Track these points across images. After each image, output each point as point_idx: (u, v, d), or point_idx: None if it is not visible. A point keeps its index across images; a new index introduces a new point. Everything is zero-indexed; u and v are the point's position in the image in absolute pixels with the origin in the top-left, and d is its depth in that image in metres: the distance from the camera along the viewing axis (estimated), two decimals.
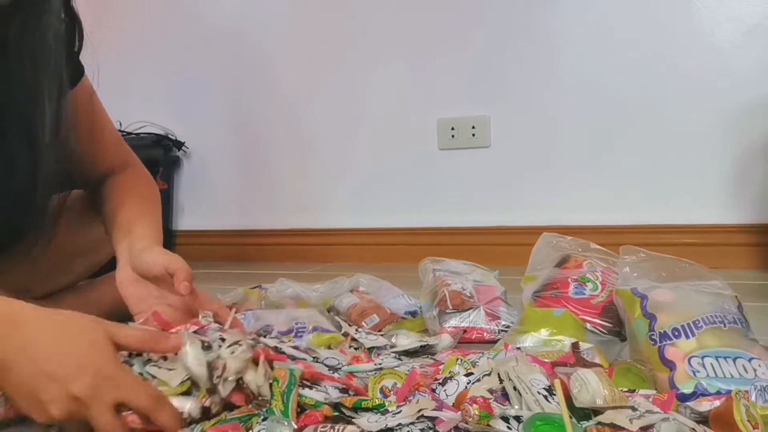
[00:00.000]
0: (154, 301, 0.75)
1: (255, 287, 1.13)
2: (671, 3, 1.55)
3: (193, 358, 0.56)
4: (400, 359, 0.75)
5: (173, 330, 0.63)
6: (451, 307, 0.96)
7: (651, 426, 0.51)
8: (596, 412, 0.55)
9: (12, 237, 0.82)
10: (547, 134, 1.69)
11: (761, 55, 1.49)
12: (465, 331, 0.92)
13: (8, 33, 0.75)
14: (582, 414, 0.56)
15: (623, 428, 0.50)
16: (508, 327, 0.92)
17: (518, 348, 0.75)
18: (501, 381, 0.60)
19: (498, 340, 0.89)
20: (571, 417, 0.52)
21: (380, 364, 0.71)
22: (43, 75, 0.77)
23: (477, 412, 0.53)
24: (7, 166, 0.78)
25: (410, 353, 0.83)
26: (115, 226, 0.84)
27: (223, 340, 0.59)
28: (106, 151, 0.94)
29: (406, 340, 0.84)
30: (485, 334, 0.92)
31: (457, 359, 0.71)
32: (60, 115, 0.79)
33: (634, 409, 0.54)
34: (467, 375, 0.65)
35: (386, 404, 0.58)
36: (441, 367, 0.70)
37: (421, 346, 0.84)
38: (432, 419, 0.55)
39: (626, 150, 1.62)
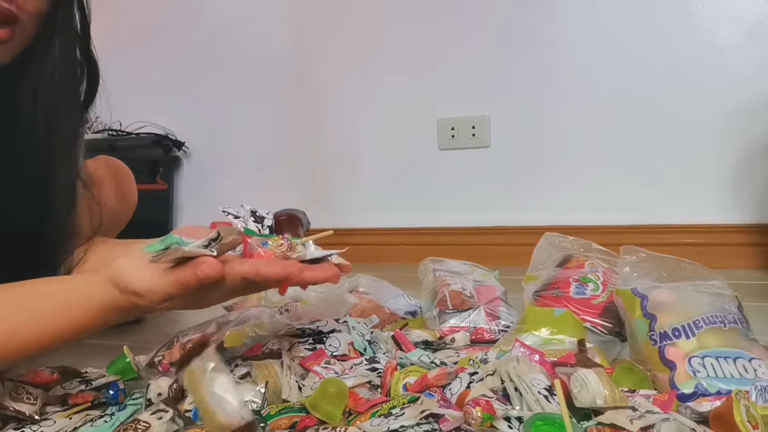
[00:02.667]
0: None
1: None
2: (671, 3, 1.55)
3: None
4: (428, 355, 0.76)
5: None
6: (451, 307, 0.96)
7: (651, 426, 0.51)
8: (596, 412, 0.55)
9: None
10: (547, 134, 1.69)
11: (761, 55, 1.49)
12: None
13: (19, 90, 0.73)
14: (582, 414, 0.56)
15: (623, 428, 0.50)
16: (508, 327, 0.92)
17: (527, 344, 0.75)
18: (502, 381, 0.60)
19: (498, 340, 0.89)
20: (571, 417, 0.52)
21: (407, 358, 0.71)
22: (57, 130, 0.75)
23: (480, 414, 0.53)
24: (20, 212, 0.75)
25: (429, 344, 0.84)
26: None
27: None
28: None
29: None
30: (485, 334, 0.92)
31: (470, 359, 0.71)
32: (73, 164, 0.77)
33: (634, 409, 0.54)
34: (471, 374, 0.65)
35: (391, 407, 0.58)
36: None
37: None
38: (437, 420, 0.55)
39: (626, 150, 1.62)
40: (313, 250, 0.63)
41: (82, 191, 0.80)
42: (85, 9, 0.78)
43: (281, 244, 0.61)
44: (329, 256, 0.63)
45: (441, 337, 0.87)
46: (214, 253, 0.55)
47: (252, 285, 0.60)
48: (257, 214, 0.69)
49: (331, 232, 0.69)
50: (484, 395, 0.56)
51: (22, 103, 0.73)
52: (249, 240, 0.61)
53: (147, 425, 0.58)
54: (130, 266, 0.57)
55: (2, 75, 0.71)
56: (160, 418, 0.59)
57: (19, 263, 0.68)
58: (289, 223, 0.71)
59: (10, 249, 0.69)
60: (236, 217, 0.66)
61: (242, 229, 0.63)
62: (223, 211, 0.67)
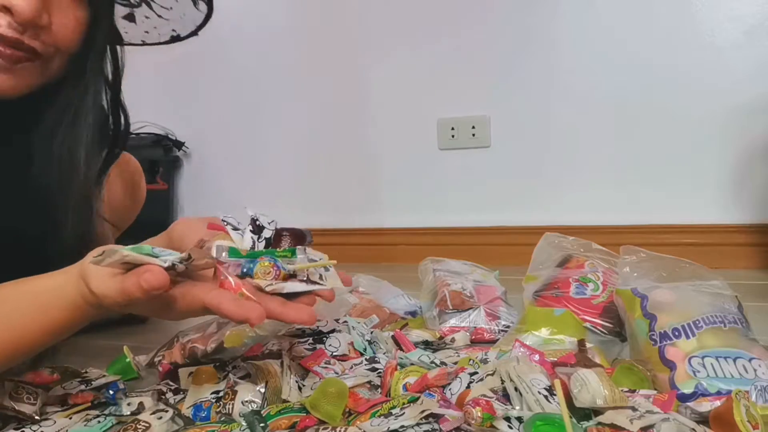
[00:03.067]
0: None
1: None
2: (671, 3, 1.55)
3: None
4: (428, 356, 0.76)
5: None
6: (451, 307, 0.96)
7: (651, 426, 0.51)
8: (596, 412, 0.55)
9: None
10: (547, 134, 1.69)
11: (761, 55, 1.49)
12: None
13: (36, 129, 0.70)
14: (582, 414, 0.56)
15: (623, 428, 0.50)
16: (508, 327, 0.92)
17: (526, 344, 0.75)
18: (502, 381, 0.60)
19: (498, 340, 0.89)
20: (571, 417, 0.52)
21: (407, 358, 0.71)
22: (69, 179, 0.71)
23: (480, 414, 0.53)
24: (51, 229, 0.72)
25: (429, 344, 0.84)
26: None
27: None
28: None
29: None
30: (485, 334, 0.92)
31: (470, 359, 0.71)
32: (86, 214, 0.74)
33: (634, 409, 0.54)
34: (471, 374, 0.65)
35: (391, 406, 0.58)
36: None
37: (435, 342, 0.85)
38: (437, 420, 0.55)
39: (626, 150, 1.62)
40: (291, 285, 0.58)
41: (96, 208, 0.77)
42: (118, 59, 0.76)
43: (269, 272, 0.58)
44: (311, 291, 0.60)
45: (441, 337, 0.87)
46: (165, 264, 0.52)
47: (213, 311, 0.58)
48: (257, 222, 0.65)
49: (333, 262, 0.64)
50: (484, 395, 0.56)
51: (37, 143, 0.69)
52: (221, 267, 0.57)
53: (147, 425, 0.58)
54: (95, 269, 0.54)
55: (19, 109, 0.67)
56: (160, 417, 0.59)
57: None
58: (291, 240, 0.67)
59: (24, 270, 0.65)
60: (235, 229, 0.64)
61: (226, 250, 0.59)
62: (223, 221, 0.64)
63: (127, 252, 0.52)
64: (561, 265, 0.94)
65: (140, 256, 0.52)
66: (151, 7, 0.80)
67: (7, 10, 0.60)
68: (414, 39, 1.79)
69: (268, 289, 0.57)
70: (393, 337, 0.82)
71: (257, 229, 0.64)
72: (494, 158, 1.75)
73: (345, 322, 0.82)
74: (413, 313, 1.04)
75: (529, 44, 1.68)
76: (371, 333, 0.81)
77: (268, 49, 1.97)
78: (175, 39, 0.84)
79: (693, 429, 0.54)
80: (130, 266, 0.53)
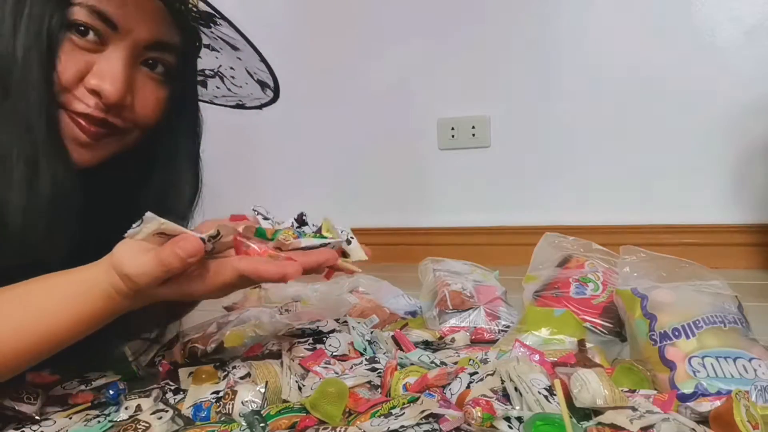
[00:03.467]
0: None
1: (255, 287, 1.13)
2: (671, 3, 1.55)
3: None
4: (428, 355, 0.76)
5: None
6: (451, 307, 0.96)
7: (651, 426, 0.51)
8: (596, 412, 0.55)
9: None
10: (547, 134, 1.69)
11: (761, 55, 1.49)
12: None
13: (118, 195, 0.72)
14: (582, 414, 0.56)
15: (623, 428, 0.50)
16: (508, 327, 0.92)
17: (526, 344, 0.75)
18: (502, 381, 0.60)
19: (498, 340, 0.89)
20: (571, 417, 0.52)
21: (407, 358, 0.71)
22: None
23: (480, 414, 0.53)
24: None
25: (429, 344, 0.84)
26: None
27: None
28: None
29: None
30: (485, 334, 0.92)
31: (470, 359, 0.71)
32: None
33: (634, 409, 0.54)
34: (471, 374, 0.65)
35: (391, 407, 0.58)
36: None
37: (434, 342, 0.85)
38: (437, 420, 0.55)
39: (626, 150, 1.62)
40: (307, 241, 0.61)
41: None
42: (199, 124, 0.80)
43: (288, 240, 0.60)
44: (327, 243, 0.63)
45: (441, 337, 0.87)
46: (200, 235, 0.54)
47: (248, 280, 0.59)
48: (304, 218, 0.68)
49: (365, 257, 0.69)
50: (484, 395, 0.56)
51: (122, 208, 0.70)
52: (239, 237, 0.59)
53: (147, 425, 0.58)
54: (127, 249, 0.55)
55: (97, 174, 0.69)
56: (160, 417, 0.59)
57: None
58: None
59: None
60: (265, 218, 0.65)
61: (252, 230, 0.62)
62: (254, 210, 0.65)
63: (163, 220, 0.53)
64: (561, 265, 0.94)
65: (175, 225, 0.54)
66: (223, 81, 0.84)
67: (96, 93, 0.63)
68: (414, 39, 1.79)
69: (286, 245, 0.59)
70: (393, 337, 0.82)
71: (301, 223, 0.66)
72: (494, 158, 1.75)
73: (345, 322, 0.82)
74: (413, 313, 1.04)
75: (530, 44, 1.68)
76: (371, 333, 0.81)
77: (267, 49, 1.96)
78: (240, 107, 0.88)
79: (693, 429, 0.54)
80: (163, 240, 0.54)
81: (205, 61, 0.78)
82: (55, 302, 0.58)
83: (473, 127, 1.75)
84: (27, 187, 0.60)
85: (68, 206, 0.64)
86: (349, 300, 1.02)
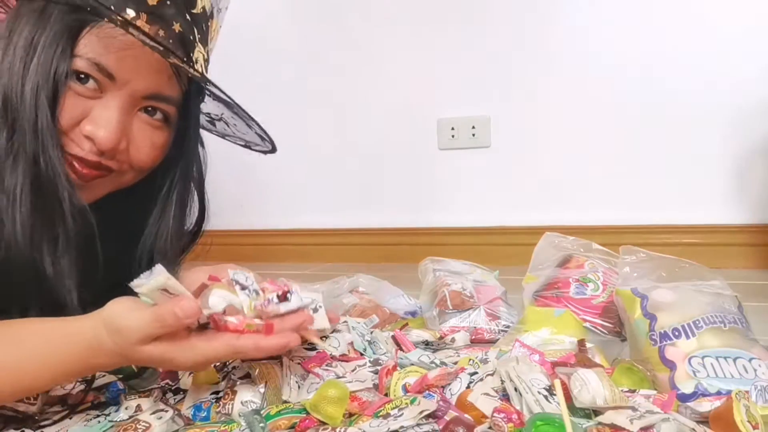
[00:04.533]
0: None
1: None
2: (672, 3, 1.55)
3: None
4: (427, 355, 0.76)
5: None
6: (451, 307, 0.96)
7: (651, 426, 0.51)
8: (596, 412, 0.55)
9: None
10: (547, 134, 1.69)
11: (762, 56, 1.49)
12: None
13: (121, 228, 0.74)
14: (582, 414, 0.56)
15: (623, 428, 0.50)
16: (508, 327, 0.92)
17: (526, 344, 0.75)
18: (502, 381, 0.60)
19: (498, 340, 0.89)
20: (571, 417, 0.52)
21: (407, 358, 0.71)
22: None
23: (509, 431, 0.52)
24: None
25: (429, 344, 0.84)
26: None
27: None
28: None
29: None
30: (485, 334, 0.92)
31: (470, 359, 0.71)
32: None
33: (634, 409, 0.54)
34: (471, 374, 0.64)
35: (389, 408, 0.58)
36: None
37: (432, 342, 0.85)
38: (437, 420, 0.55)
39: (626, 150, 1.62)
40: (285, 305, 0.62)
41: None
42: (201, 161, 0.81)
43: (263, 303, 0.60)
44: (306, 307, 0.64)
45: (441, 337, 0.87)
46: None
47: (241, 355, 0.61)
48: (288, 296, 0.67)
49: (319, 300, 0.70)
50: (516, 409, 0.55)
51: (137, 263, 0.73)
52: (215, 316, 0.59)
53: (147, 425, 0.58)
54: (120, 305, 0.56)
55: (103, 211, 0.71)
56: (160, 417, 0.59)
57: None
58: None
59: None
60: (243, 287, 0.64)
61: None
62: (233, 279, 0.64)
63: (169, 275, 0.54)
64: (561, 265, 0.94)
65: (179, 284, 0.54)
66: (227, 126, 0.87)
67: (90, 138, 0.65)
68: (414, 38, 1.79)
69: (267, 313, 0.60)
70: (393, 337, 0.82)
71: (283, 300, 0.66)
72: (494, 158, 1.75)
73: (345, 322, 0.82)
74: (413, 313, 1.04)
75: (530, 44, 1.68)
76: (371, 333, 0.81)
77: (266, 49, 1.97)
78: (248, 147, 0.91)
79: (693, 429, 0.54)
80: (163, 297, 0.55)
81: (210, 106, 0.81)
82: (33, 349, 0.58)
83: (473, 127, 1.75)
84: (36, 220, 0.62)
85: (82, 235, 0.65)
86: (348, 300, 1.02)
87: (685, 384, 0.62)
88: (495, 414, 0.54)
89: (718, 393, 0.60)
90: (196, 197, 0.81)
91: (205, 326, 0.59)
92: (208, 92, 0.76)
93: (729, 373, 0.62)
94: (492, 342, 0.89)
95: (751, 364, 0.63)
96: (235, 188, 2.05)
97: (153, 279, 0.54)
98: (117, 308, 0.56)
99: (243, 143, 0.89)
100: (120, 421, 0.62)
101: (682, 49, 1.55)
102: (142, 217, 0.75)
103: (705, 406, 0.59)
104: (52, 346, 0.58)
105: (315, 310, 0.69)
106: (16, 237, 0.61)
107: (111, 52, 0.63)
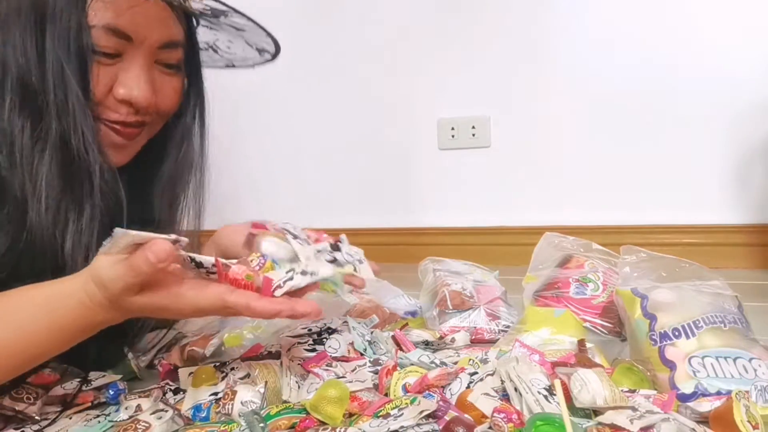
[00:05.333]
0: None
1: None
2: (671, 3, 1.55)
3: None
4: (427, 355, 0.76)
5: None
6: (451, 307, 0.96)
7: (651, 426, 0.51)
8: (596, 412, 0.55)
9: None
10: (547, 134, 1.69)
11: (761, 56, 1.49)
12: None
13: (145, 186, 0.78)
14: (582, 414, 0.56)
15: (623, 428, 0.50)
16: (508, 327, 0.92)
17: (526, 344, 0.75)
18: (502, 381, 0.60)
19: (498, 340, 0.89)
20: (571, 417, 0.52)
21: (407, 358, 0.71)
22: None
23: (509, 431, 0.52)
24: None
25: (429, 344, 0.84)
26: None
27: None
28: None
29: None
30: (485, 334, 0.92)
31: (469, 359, 0.71)
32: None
33: (634, 409, 0.54)
34: (471, 374, 0.64)
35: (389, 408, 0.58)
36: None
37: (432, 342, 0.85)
38: (437, 420, 0.55)
39: (626, 150, 1.62)
40: (296, 281, 0.60)
41: None
42: (204, 100, 0.84)
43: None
44: (315, 282, 0.62)
45: (441, 337, 0.87)
46: (170, 238, 0.53)
47: (234, 311, 0.59)
48: (339, 245, 0.72)
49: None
50: (516, 409, 0.55)
51: (153, 197, 0.78)
52: (219, 261, 0.58)
53: (147, 425, 0.58)
54: (105, 258, 0.55)
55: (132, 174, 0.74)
56: (160, 417, 0.59)
57: None
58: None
59: None
60: (294, 237, 0.65)
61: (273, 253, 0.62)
62: (284, 229, 0.65)
63: (134, 232, 0.52)
64: (561, 265, 0.94)
65: (146, 234, 0.53)
66: (216, 53, 0.89)
67: (126, 101, 0.69)
68: (414, 38, 1.79)
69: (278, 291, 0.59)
70: (393, 337, 0.82)
71: (335, 248, 0.67)
72: (494, 158, 1.75)
73: (345, 322, 0.82)
74: (413, 313, 1.04)
75: (529, 44, 1.68)
76: (371, 333, 0.81)
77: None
78: (229, 66, 0.94)
79: (693, 429, 0.54)
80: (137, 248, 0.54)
81: (201, 35, 0.82)
82: (32, 316, 0.57)
83: (473, 127, 1.75)
84: (63, 203, 0.63)
85: (117, 209, 0.68)
86: (348, 300, 1.02)
87: (685, 384, 0.62)
88: (495, 414, 0.53)
89: (718, 393, 0.60)
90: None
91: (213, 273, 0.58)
92: (204, 21, 0.78)
93: (729, 373, 0.62)
94: (492, 342, 0.89)
95: (751, 364, 0.63)
96: (234, 188, 2.05)
97: (116, 241, 0.53)
98: (101, 262, 0.55)
99: (224, 64, 0.92)
100: (120, 421, 0.62)
101: (682, 49, 1.55)
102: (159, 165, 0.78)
103: (705, 406, 0.59)
104: (50, 309, 0.57)
105: (360, 261, 0.72)
106: (41, 224, 0.62)
107: (121, 14, 0.65)
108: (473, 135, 1.75)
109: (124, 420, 0.62)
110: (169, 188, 0.79)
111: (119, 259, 0.54)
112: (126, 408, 0.63)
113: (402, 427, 0.53)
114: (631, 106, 1.60)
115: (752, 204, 1.53)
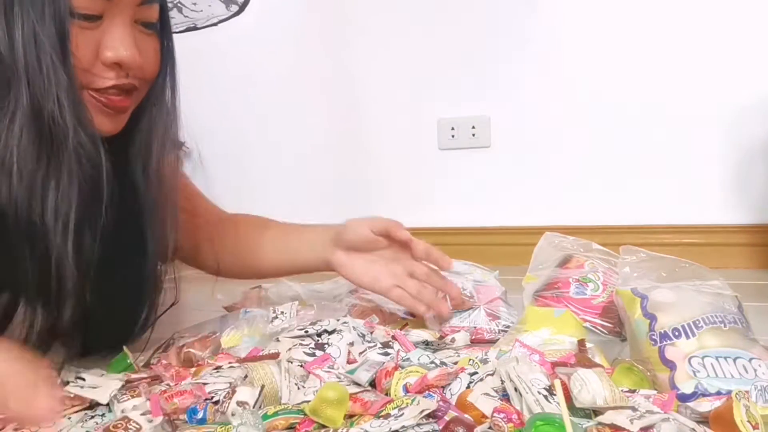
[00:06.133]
0: (386, 270, 0.91)
1: (255, 287, 1.13)
2: (671, 2, 1.55)
3: None
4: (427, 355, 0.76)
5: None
6: (451, 307, 0.96)
7: (651, 426, 0.51)
8: (596, 412, 0.55)
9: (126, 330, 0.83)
10: (548, 134, 1.69)
11: (761, 55, 1.49)
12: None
13: (131, 154, 0.76)
14: (582, 414, 0.55)
15: (623, 428, 0.50)
16: (508, 327, 0.92)
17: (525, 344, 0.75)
18: (502, 381, 0.60)
19: (498, 340, 0.89)
20: (571, 417, 0.52)
21: (407, 358, 0.71)
22: (165, 188, 0.79)
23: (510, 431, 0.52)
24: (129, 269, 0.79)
25: (429, 344, 0.83)
26: (282, 233, 1.00)
27: None
28: (203, 220, 1.01)
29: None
30: (485, 334, 0.92)
31: (469, 359, 0.71)
32: (172, 224, 0.81)
33: (634, 409, 0.54)
34: (471, 374, 0.64)
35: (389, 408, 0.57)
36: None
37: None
38: (437, 420, 0.55)
39: (626, 150, 1.62)
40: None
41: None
42: (175, 74, 0.81)
43: None
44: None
45: (441, 337, 0.87)
46: None
47: None
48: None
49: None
50: (516, 409, 0.55)
51: (135, 166, 0.76)
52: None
53: (138, 426, 0.58)
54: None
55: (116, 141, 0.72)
56: (151, 421, 0.59)
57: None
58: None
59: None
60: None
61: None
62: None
63: None
64: (561, 265, 0.93)
65: None
66: (180, 12, 0.88)
67: (116, 65, 0.67)
68: (414, 38, 1.79)
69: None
70: (393, 337, 0.81)
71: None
72: (494, 158, 1.75)
73: (345, 322, 0.81)
74: (413, 313, 1.04)
75: (530, 44, 1.68)
76: (371, 333, 0.81)
77: (265, 49, 1.97)
78: (191, 29, 0.92)
79: (693, 429, 0.54)
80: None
81: None
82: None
83: (473, 127, 1.75)
84: (37, 178, 0.62)
85: (97, 175, 0.66)
86: (348, 300, 1.02)
87: (685, 384, 0.62)
88: (495, 414, 0.53)
89: (718, 393, 0.60)
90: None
91: None
92: None
93: (729, 373, 0.62)
94: (492, 342, 0.89)
95: (751, 364, 0.63)
96: (230, 189, 2.04)
97: None
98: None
99: (184, 27, 0.90)
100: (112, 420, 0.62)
101: (681, 49, 1.55)
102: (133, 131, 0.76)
103: (705, 406, 0.59)
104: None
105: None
106: (15, 197, 0.61)
107: None
108: (473, 135, 1.75)
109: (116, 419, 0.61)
110: (145, 152, 0.77)
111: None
112: (122, 411, 0.63)
113: (403, 427, 0.53)
114: (632, 106, 1.60)
115: (752, 204, 1.53)
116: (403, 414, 0.55)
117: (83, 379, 0.70)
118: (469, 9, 1.73)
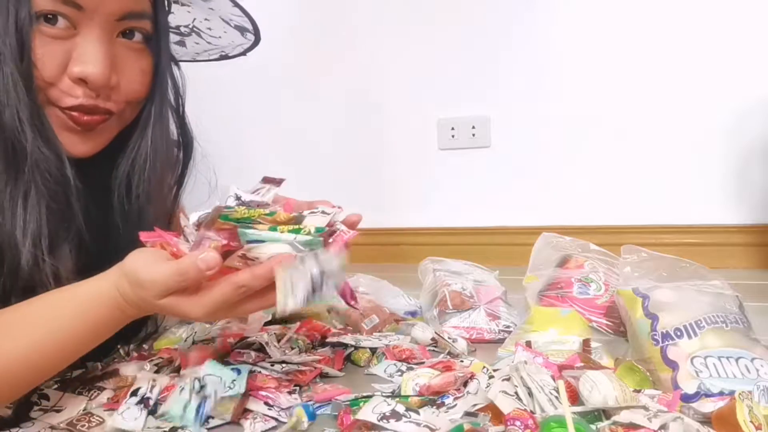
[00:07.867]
0: None
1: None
2: (671, 3, 1.55)
3: None
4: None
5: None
6: (451, 307, 0.96)
7: (665, 425, 0.51)
8: (606, 413, 0.55)
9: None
10: (547, 134, 1.69)
11: (762, 55, 1.49)
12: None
13: (113, 178, 0.71)
14: (593, 415, 0.56)
15: (642, 427, 0.50)
16: (508, 327, 0.92)
17: (528, 344, 0.75)
18: (515, 385, 0.60)
19: (498, 340, 0.89)
20: (574, 415, 0.52)
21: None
22: (148, 218, 0.73)
23: None
24: None
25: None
26: None
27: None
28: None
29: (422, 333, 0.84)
30: (485, 334, 0.92)
31: (483, 366, 0.71)
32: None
33: (646, 408, 0.54)
34: (489, 377, 0.65)
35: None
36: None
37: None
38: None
39: (626, 150, 1.62)
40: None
41: None
42: (178, 84, 0.76)
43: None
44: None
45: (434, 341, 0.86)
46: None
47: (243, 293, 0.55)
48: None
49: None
50: (529, 413, 0.55)
51: (116, 192, 0.71)
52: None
53: (100, 419, 0.58)
54: (140, 257, 0.54)
55: (94, 163, 0.68)
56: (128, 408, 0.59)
57: None
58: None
59: None
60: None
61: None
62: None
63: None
64: (560, 265, 0.94)
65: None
66: (201, 36, 0.82)
67: (82, 81, 0.62)
68: (414, 38, 1.79)
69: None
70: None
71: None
72: (494, 158, 1.75)
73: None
74: (413, 313, 1.04)
75: (530, 44, 1.68)
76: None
77: (266, 50, 1.96)
78: (224, 58, 0.88)
79: (698, 430, 0.54)
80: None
81: (179, 17, 0.76)
82: (63, 318, 0.57)
83: (473, 127, 1.75)
84: (22, 197, 0.60)
85: (68, 202, 0.63)
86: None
87: (687, 384, 0.62)
88: (510, 422, 0.53)
89: (721, 393, 0.60)
90: (175, 124, 0.77)
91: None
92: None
93: (731, 373, 0.62)
94: (492, 342, 0.89)
95: (754, 364, 0.63)
96: (238, 187, 2.04)
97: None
98: (139, 262, 0.54)
99: (218, 55, 0.86)
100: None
101: (681, 49, 1.55)
102: (122, 154, 0.71)
103: (708, 406, 0.59)
104: (83, 309, 0.56)
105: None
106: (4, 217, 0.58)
107: None
108: (473, 135, 1.75)
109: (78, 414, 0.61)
110: (126, 180, 0.71)
111: (160, 259, 0.53)
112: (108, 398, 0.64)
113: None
114: (631, 106, 1.60)
115: (752, 204, 1.53)
116: (456, 405, 0.56)
117: (47, 398, 0.68)
118: (470, 9, 1.72)
